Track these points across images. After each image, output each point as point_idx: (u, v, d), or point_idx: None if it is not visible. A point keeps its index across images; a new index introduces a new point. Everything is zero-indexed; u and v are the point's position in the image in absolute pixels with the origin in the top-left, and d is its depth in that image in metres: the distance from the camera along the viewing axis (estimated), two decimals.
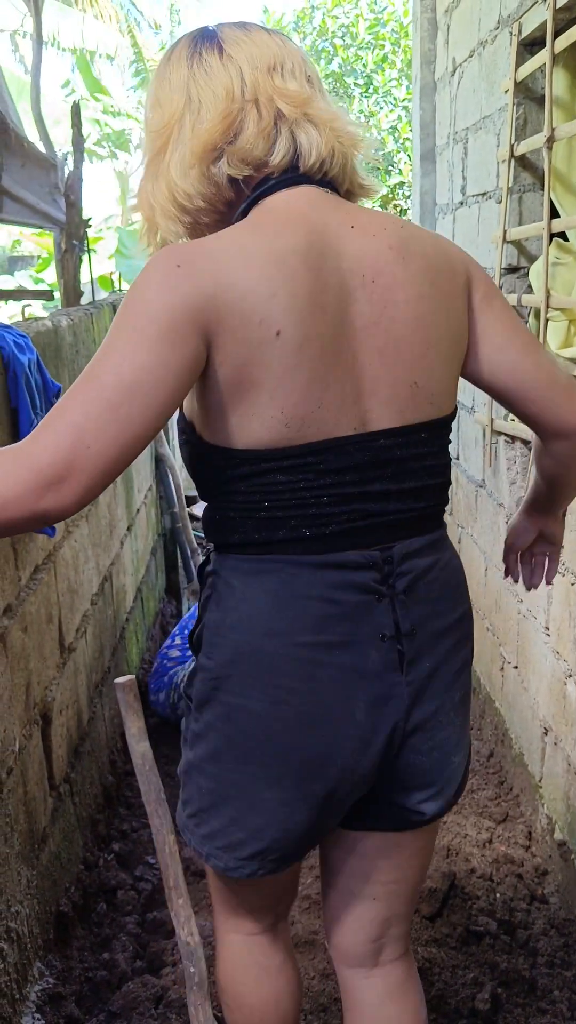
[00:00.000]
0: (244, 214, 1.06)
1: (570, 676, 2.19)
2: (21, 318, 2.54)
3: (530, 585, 1.47)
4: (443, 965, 1.99)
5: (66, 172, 3.12)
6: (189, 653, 3.12)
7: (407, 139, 9.44)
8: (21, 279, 10.28)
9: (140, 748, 1.63)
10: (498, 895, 2.28)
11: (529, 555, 1.44)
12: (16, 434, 1.80)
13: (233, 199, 1.06)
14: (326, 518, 1.03)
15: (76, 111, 3.30)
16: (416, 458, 1.08)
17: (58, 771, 2.10)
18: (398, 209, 10.12)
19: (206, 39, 1.06)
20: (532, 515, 1.39)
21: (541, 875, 2.40)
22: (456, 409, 1.16)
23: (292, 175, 1.04)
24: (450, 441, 1.17)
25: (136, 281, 0.96)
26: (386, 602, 1.07)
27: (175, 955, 2.10)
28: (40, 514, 0.89)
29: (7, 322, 2.02)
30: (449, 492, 1.25)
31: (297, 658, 1.04)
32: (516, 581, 1.48)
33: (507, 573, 1.47)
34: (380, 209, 9.72)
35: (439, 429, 1.11)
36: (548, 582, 1.45)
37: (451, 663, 1.16)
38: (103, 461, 0.90)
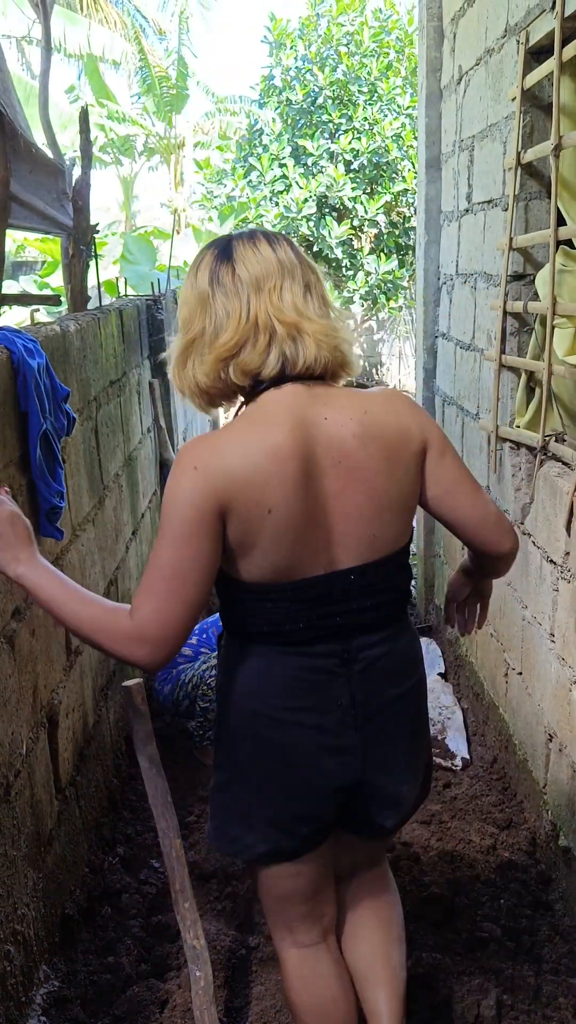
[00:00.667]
0: (245, 403, 1.43)
1: (575, 682, 2.19)
2: (30, 323, 2.55)
3: (464, 631, 1.81)
4: (448, 971, 1.99)
5: (74, 178, 3.14)
6: (201, 650, 3.13)
7: (411, 146, 9.46)
8: (25, 284, 10.30)
9: (147, 751, 1.63)
10: (502, 901, 2.28)
11: (463, 606, 1.79)
12: (26, 436, 1.81)
13: (238, 387, 1.41)
14: (302, 626, 1.41)
15: (84, 117, 3.32)
16: (375, 582, 1.44)
17: (64, 774, 2.10)
18: (401, 216, 10.14)
19: (224, 259, 1.37)
20: (467, 577, 1.75)
21: (545, 882, 2.40)
22: (411, 539, 1.54)
23: (280, 378, 1.37)
24: (408, 562, 1.53)
25: (170, 485, 1.33)
26: (343, 680, 1.44)
27: (180, 959, 2.10)
28: (135, 664, 1.35)
29: (16, 327, 2.03)
30: (410, 592, 1.62)
31: (276, 717, 1.43)
32: (453, 627, 1.83)
33: (447, 621, 1.82)
34: (384, 217, 9.74)
35: (395, 559, 1.46)
36: (479, 627, 1.81)
37: (399, 721, 1.52)
38: (178, 624, 1.31)
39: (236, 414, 1.43)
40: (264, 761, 1.45)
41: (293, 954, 1.60)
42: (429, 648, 4.06)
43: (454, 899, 2.20)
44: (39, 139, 3.58)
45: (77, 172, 3.18)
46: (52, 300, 3.10)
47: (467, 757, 3.13)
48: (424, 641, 4.14)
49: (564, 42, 2.19)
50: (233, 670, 1.47)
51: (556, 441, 2.46)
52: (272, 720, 1.43)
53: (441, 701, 3.54)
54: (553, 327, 2.35)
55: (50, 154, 3.26)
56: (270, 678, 1.43)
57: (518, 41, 2.54)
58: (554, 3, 2.22)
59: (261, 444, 1.32)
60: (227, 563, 1.37)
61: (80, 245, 3.17)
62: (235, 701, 1.46)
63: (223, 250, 1.38)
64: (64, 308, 3.68)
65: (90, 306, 3.38)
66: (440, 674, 3.77)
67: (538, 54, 2.49)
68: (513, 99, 2.59)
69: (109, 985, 1.97)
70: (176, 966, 2.09)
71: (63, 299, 3.41)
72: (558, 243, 2.33)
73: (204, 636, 3.21)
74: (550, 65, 2.27)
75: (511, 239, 2.66)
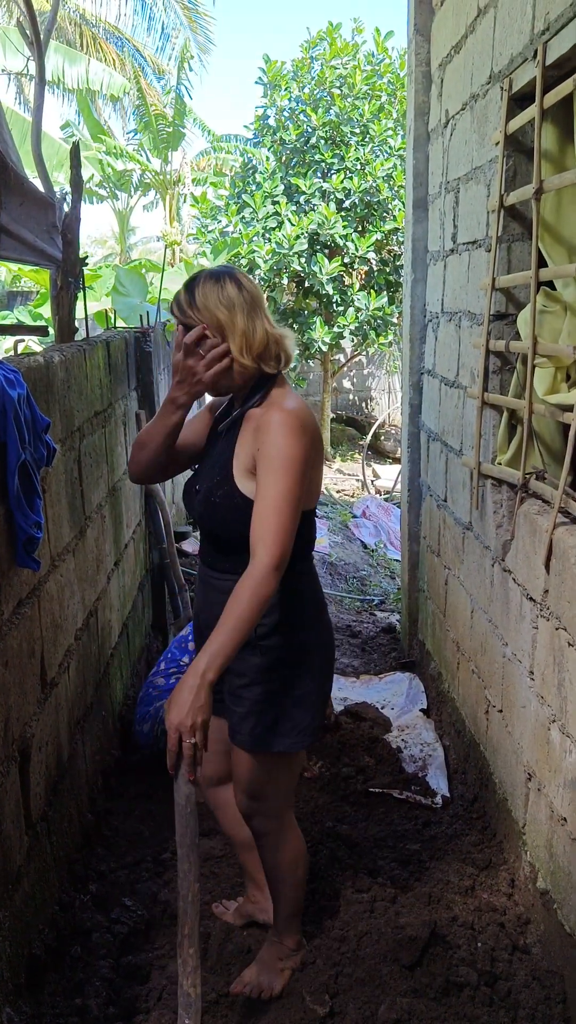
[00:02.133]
0: (266, 382, 1.90)
1: (554, 721, 2.18)
2: (14, 353, 2.56)
3: None
4: (422, 1017, 1.95)
5: (64, 211, 3.17)
6: (174, 682, 3.10)
7: (401, 187, 9.61)
8: (19, 315, 10.36)
9: (185, 789, 1.62)
10: (480, 944, 2.24)
11: None
12: (3, 466, 1.80)
13: (264, 376, 1.90)
14: (315, 535, 1.99)
15: (75, 152, 3.36)
16: None
17: (35, 809, 2.07)
18: (392, 254, 10.27)
19: (240, 287, 1.83)
20: None
21: (523, 924, 2.36)
22: None
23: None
24: None
25: (287, 441, 1.76)
26: None
27: (148, 1002, 2.06)
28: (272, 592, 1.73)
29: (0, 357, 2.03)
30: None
31: (324, 602, 2.04)
32: None
33: None
34: (374, 254, 9.88)
35: None
36: None
37: None
38: (291, 545, 1.76)
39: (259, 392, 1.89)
40: (326, 642, 2.00)
41: (295, 827, 2.10)
42: (412, 684, 4.04)
43: (429, 942, 2.16)
44: (32, 173, 3.62)
45: (68, 206, 3.21)
46: (40, 331, 3.11)
47: (447, 795, 3.10)
48: (407, 676, 4.12)
49: (545, 89, 2.24)
50: (301, 579, 1.93)
51: (536, 479, 2.47)
52: (324, 605, 2.02)
53: (423, 738, 3.52)
54: (534, 366, 2.38)
55: (41, 188, 3.29)
56: (316, 576, 2.02)
57: (502, 88, 2.59)
58: (535, 52, 2.27)
59: (310, 407, 1.87)
60: (305, 498, 1.81)
61: (68, 277, 3.20)
62: (310, 596, 1.96)
63: (233, 279, 1.82)
64: (53, 339, 3.69)
65: (78, 337, 3.40)
66: (422, 710, 3.74)
67: (521, 100, 2.54)
68: (497, 143, 2.64)
69: None
70: (145, 1009, 2.04)
71: (51, 330, 3.43)
72: (539, 284, 2.37)
73: (178, 670, 3.19)
74: (532, 111, 2.32)
75: (494, 279, 2.69)
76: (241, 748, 1.96)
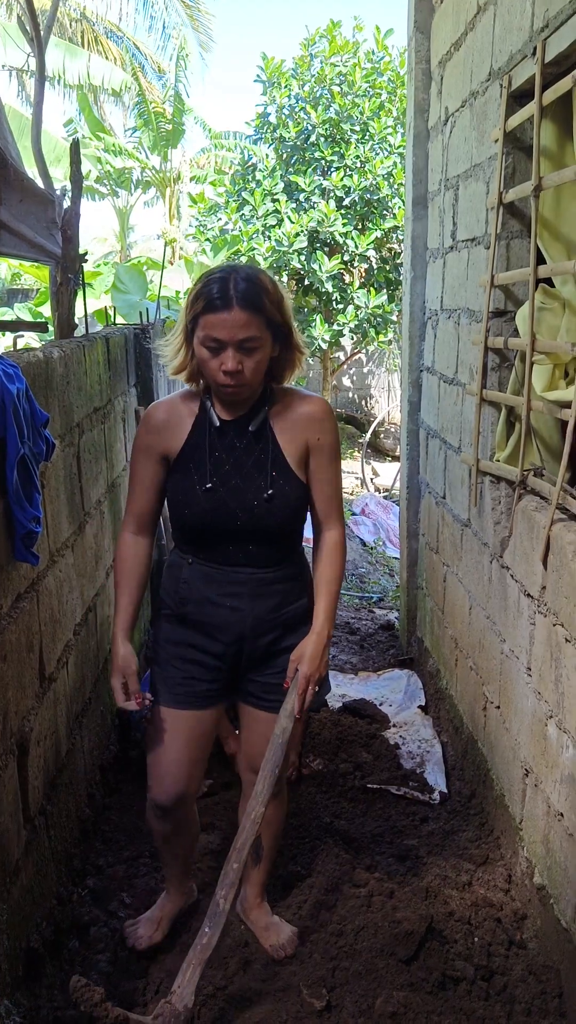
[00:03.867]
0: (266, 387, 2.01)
1: (551, 717, 2.18)
2: (13, 348, 2.56)
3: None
4: (418, 1011, 1.95)
5: (64, 207, 3.17)
6: None
7: (401, 184, 9.59)
8: (19, 312, 10.35)
9: (285, 723, 1.99)
10: (476, 939, 2.25)
11: None
12: (3, 461, 1.80)
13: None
14: None
15: (75, 148, 3.36)
16: None
17: (33, 803, 2.07)
18: (392, 252, 10.26)
19: None
20: None
21: (520, 919, 2.37)
22: None
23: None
24: None
25: (335, 427, 2.03)
26: None
27: (147, 995, 2.07)
28: None
29: None
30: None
31: None
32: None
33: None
34: (374, 252, 9.88)
35: None
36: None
37: None
38: None
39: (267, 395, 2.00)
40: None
41: None
42: (410, 680, 4.04)
43: (426, 936, 2.17)
44: (32, 170, 3.62)
45: (68, 202, 3.21)
46: (40, 327, 3.11)
47: (445, 791, 3.11)
48: (405, 673, 4.13)
49: (544, 87, 2.24)
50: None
51: (535, 476, 2.48)
52: None
53: (421, 734, 3.52)
54: (532, 363, 2.38)
55: (41, 184, 3.29)
56: None
57: (501, 85, 2.60)
58: (535, 50, 2.27)
59: None
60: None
61: (68, 274, 3.19)
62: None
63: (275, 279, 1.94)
64: (52, 335, 3.70)
65: (77, 333, 3.40)
66: (421, 707, 3.75)
67: (520, 98, 2.55)
68: (496, 140, 2.65)
69: (73, 1022, 1.93)
70: (143, 1003, 2.05)
71: (50, 327, 3.43)
72: (537, 281, 2.37)
73: None
74: (531, 109, 2.33)
75: (493, 276, 2.70)
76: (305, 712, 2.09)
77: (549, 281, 2.48)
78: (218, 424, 1.98)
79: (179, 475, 1.99)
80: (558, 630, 2.12)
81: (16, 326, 3.39)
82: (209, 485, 1.96)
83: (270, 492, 1.95)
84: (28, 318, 9.75)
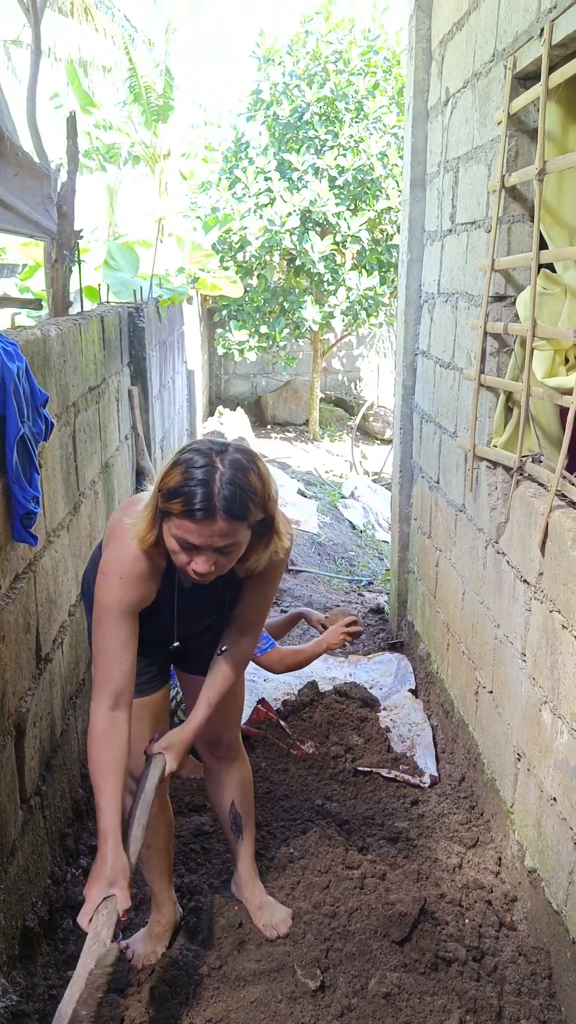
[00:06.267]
0: None
1: (545, 703, 2.20)
2: (11, 326, 2.53)
3: None
4: (411, 991, 1.97)
5: (59, 183, 3.12)
6: None
7: (395, 165, 9.53)
8: (6, 286, 10.22)
9: None
10: (467, 921, 2.27)
11: None
12: (2, 440, 1.79)
13: None
14: None
15: (72, 122, 3.31)
16: None
17: (30, 783, 2.07)
18: (384, 233, 10.21)
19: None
20: None
21: (510, 902, 2.40)
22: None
23: None
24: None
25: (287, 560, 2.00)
26: None
27: (141, 975, 2.08)
28: None
29: None
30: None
31: None
32: None
33: None
34: (367, 233, 9.81)
35: None
36: None
37: None
38: None
39: None
40: None
41: None
42: (400, 664, 4.06)
43: (419, 918, 2.19)
44: (26, 144, 3.56)
45: (63, 177, 3.17)
46: (33, 304, 3.08)
47: (435, 775, 3.13)
48: (395, 657, 4.15)
49: (551, 69, 2.22)
50: None
51: (532, 462, 2.48)
52: None
53: (411, 718, 3.54)
54: (533, 349, 2.37)
55: (36, 158, 3.24)
56: None
57: (505, 66, 2.57)
58: (542, 31, 2.25)
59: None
60: None
61: (63, 250, 3.16)
62: None
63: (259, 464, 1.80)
64: (45, 312, 3.66)
65: (72, 311, 3.36)
66: (411, 690, 3.77)
67: (525, 80, 2.52)
68: (499, 123, 2.62)
69: None
70: (137, 982, 2.06)
71: (44, 303, 3.39)
72: (539, 266, 2.36)
73: None
74: (537, 91, 2.30)
75: (493, 260, 2.68)
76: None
77: (551, 267, 2.46)
78: (189, 586, 1.87)
79: (143, 625, 1.84)
80: (555, 617, 2.13)
81: (9, 302, 3.35)
82: (176, 644, 1.98)
83: (222, 646, 2.01)
84: (16, 293, 9.63)
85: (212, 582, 1.76)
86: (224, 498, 1.61)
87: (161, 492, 1.66)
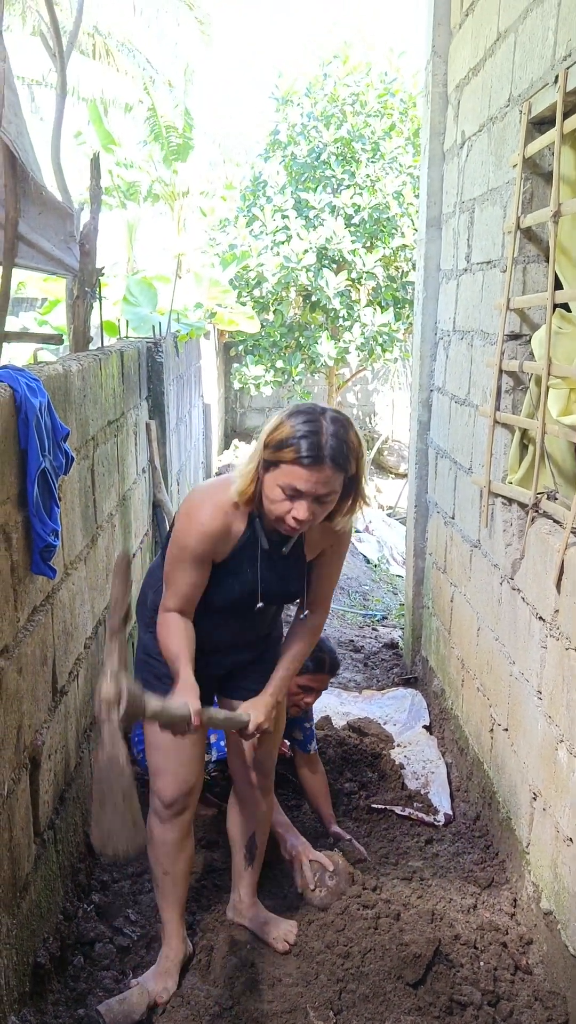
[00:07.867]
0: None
1: (562, 741, 2.18)
2: (32, 361, 2.57)
3: None
4: None
5: (82, 222, 3.19)
6: None
7: (411, 204, 9.65)
8: (26, 320, 10.38)
9: None
10: (482, 963, 2.24)
11: None
12: (24, 474, 1.81)
13: None
14: None
15: (96, 163, 3.38)
16: None
17: (43, 817, 2.07)
18: (399, 270, 10.31)
19: None
20: None
21: (526, 944, 2.36)
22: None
23: None
24: None
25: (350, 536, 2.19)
26: None
27: (152, 1015, 2.05)
28: None
29: (20, 366, 2.05)
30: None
31: None
32: None
33: None
34: (382, 270, 9.92)
35: None
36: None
37: None
38: None
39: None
40: None
41: None
42: (414, 700, 4.04)
43: (433, 959, 2.16)
44: (50, 182, 3.64)
45: (86, 216, 3.24)
46: (55, 339, 3.13)
47: (450, 813, 3.10)
48: (409, 693, 4.12)
49: (565, 115, 2.26)
50: None
51: (548, 499, 2.49)
52: None
53: (425, 754, 3.51)
54: (548, 387, 2.39)
55: (60, 197, 3.31)
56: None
57: (521, 111, 2.62)
58: (556, 78, 2.30)
59: None
60: None
61: (85, 287, 3.21)
62: None
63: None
64: (66, 346, 3.71)
65: (92, 346, 3.42)
66: (425, 727, 3.74)
67: (540, 124, 2.57)
68: (514, 166, 2.67)
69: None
70: (148, 1021, 2.04)
71: (65, 338, 3.45)
72: (554, 306, 2.39)
73: None
74: (551, 136, 2.35)
75: (508, 300, 2.71)
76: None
77: (566, 306, 2.49)
78: (267, 547, 2.03)
79: (229, 577, 2.03)
80: (572, 654, 2.12)
81: (32, 337, 3.40)
82: (260, 605, 2.07)
83: (302, 613, 2.19)
84: (35, 327, 9.77)
85: (286, 557, 2.02)
86: (331, 447, 1.81)
87: (268, 446, 1.85)
